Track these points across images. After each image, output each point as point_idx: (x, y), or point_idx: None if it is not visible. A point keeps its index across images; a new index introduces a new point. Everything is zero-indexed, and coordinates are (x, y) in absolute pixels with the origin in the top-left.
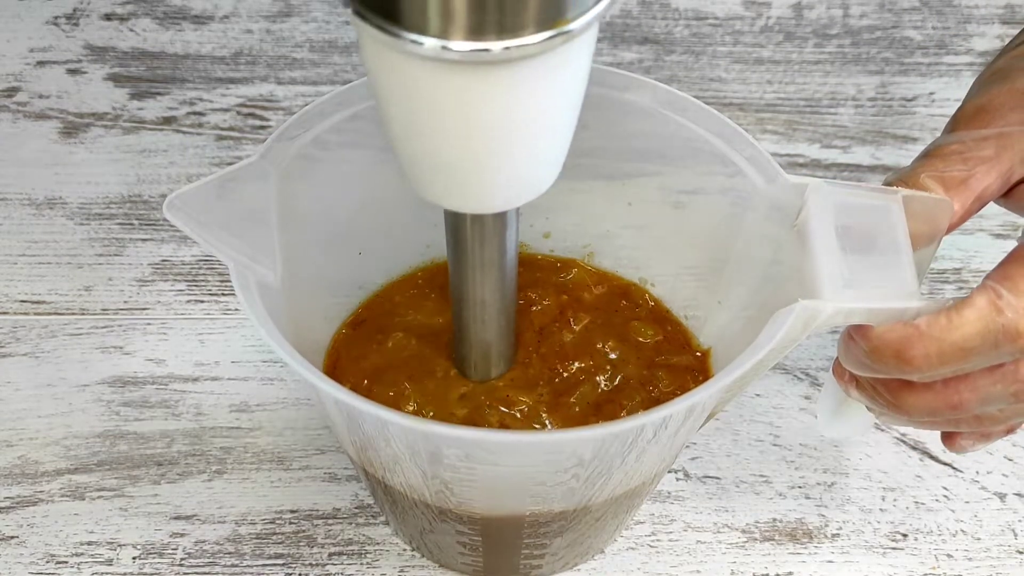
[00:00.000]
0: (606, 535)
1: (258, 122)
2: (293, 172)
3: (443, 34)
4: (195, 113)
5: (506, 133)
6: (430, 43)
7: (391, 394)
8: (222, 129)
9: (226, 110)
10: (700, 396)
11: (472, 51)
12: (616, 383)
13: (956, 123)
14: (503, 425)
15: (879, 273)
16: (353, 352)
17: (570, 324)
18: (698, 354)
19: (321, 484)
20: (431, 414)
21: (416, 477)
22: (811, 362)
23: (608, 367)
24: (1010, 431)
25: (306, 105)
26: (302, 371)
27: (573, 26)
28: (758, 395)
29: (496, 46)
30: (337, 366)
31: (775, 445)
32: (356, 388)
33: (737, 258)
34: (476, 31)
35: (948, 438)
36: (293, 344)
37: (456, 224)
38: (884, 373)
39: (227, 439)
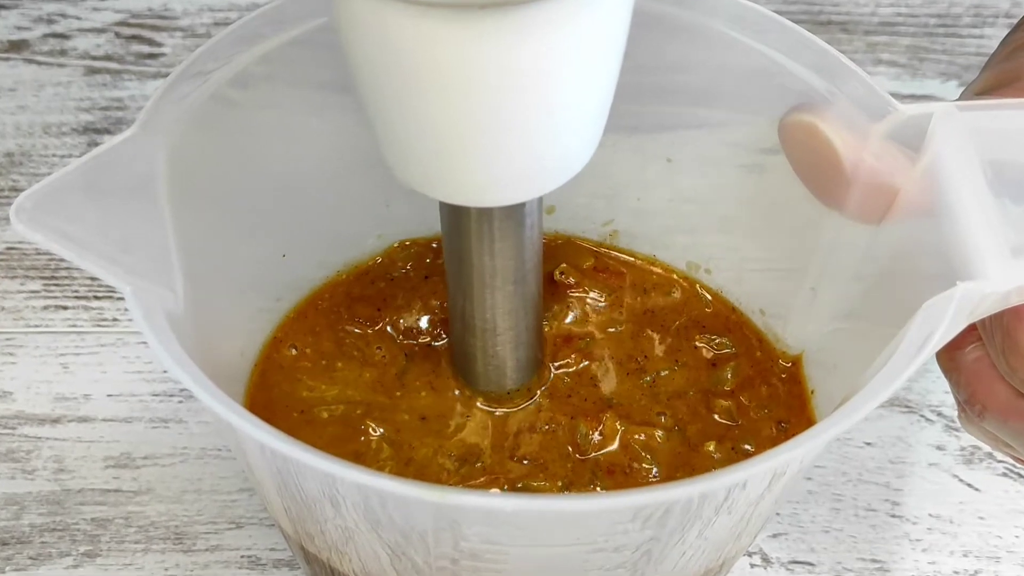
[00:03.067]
0: None
1: (145, 48)
2: (189, 144)
3: None
4: (56, 35)
5: (520, 98)
6: None
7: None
8: (94, 58)
9: (100, 31)
10: (830, 432)
11: None
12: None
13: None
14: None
15: None
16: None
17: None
18: (787, 364)
19: (237, 571)
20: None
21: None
22: (946, 396)
23: (655, 390)
24: None
25: (211, 32)
26: (282, 448)
27: None
28: (869, 444)
29: None
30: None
31: (894, 516)
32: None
33: (835, 227)
34: None
35: None
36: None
37: (456, 222)
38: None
39: (101, 507)
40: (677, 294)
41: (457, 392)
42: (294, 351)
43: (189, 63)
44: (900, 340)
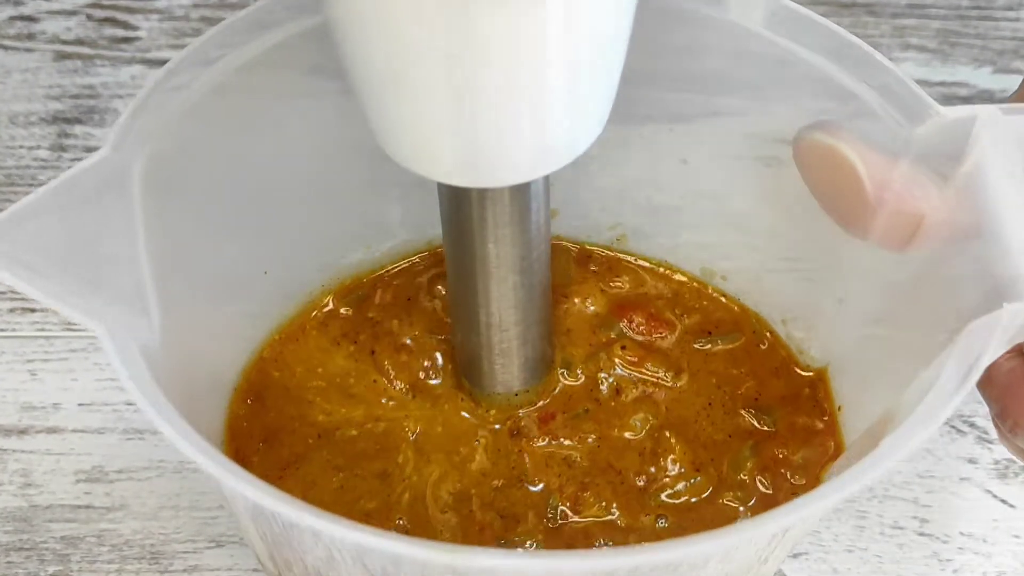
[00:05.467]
0: None
1: (119, 31)
2: (164, 160)
3: None
4: (23, 18)
5: (519, 67)
6: None
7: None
8: (65, 43)
9: (71, 13)
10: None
11: None
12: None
13: None
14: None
15: None
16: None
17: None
18: (808, 374)
19: None
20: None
21: None
22: (979, 406)
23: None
24: None
25: (189, 14)
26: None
27: None
28: None
29: None
30: (240, 451)
31: (922, 534)
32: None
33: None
34: None
35: None
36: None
37: (456, 207)
38: None
39: (72, 524)
40: (738, 342)
41: (467, 416)
42: (288, 373)
43: (166, 72)
44: (942, 367)
